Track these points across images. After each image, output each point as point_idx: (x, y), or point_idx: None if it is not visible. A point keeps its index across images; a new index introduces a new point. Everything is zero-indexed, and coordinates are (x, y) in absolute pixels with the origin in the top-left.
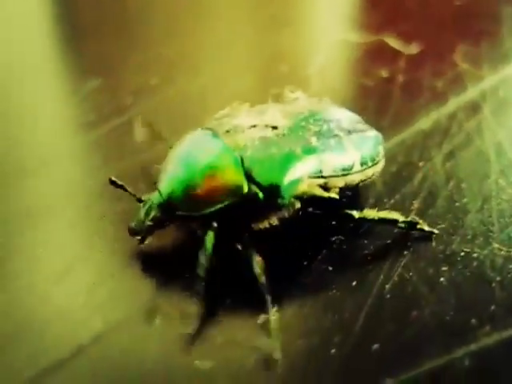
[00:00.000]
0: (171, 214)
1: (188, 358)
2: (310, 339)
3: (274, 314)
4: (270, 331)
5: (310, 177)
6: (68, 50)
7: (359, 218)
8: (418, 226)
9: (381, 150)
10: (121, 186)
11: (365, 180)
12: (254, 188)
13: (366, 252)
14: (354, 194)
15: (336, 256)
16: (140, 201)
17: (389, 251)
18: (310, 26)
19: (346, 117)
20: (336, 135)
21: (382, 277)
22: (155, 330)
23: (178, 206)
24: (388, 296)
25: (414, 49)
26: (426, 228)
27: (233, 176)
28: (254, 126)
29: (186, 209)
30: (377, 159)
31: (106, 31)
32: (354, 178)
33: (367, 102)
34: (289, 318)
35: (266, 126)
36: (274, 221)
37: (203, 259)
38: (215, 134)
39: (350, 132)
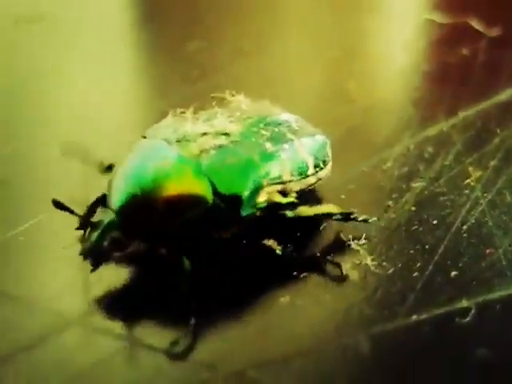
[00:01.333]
0: (128, 235)
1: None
2: (395, 262)
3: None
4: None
5: (270, 183)
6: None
7: (294, 216)
8: (352, 216)
9: (329, 151)
10: (66, 209)
11: (316, 182)
12: (217, 199)
13: (446, 198)
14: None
15: (419, 199)
16: (92, 225)
17: (467, 199)
18: (396, 4)
19: (292, 120)
20: (288, 139)
21: (460, 219)
22: None
23: (135, 225)
24: (465, 235)
25: (495, 31)
26: (360, 218)
27: (196, 186)
28: (205, 134)
29: (144, 227)
30: (327, 161)
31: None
32: (309, 181)
33: (448, 77)
34: (375, 244)
35: (217, 133)
36: (233, 230)
37: (183, 284)
38: (168, 144)
39: (300, 135)
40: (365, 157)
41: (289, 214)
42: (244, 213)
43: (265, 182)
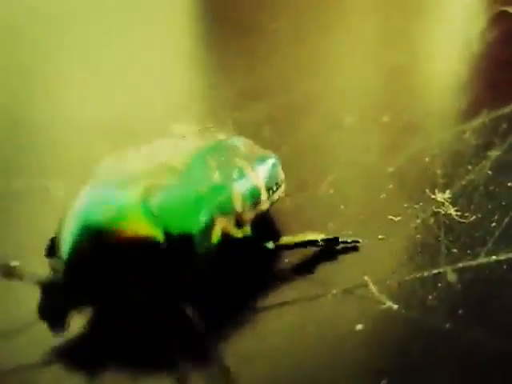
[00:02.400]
0: (81, 292)
1: None
2: (475, 214)
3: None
4: None
5: (222, 216)
6: None
7: (276, 246)
8: (341, 240)
9: (281, 172)
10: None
11: (272, 205)
12: (169, 240)
13: None
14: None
15: (495, 165)
16: (40, 283)
17: None
18: None
19: (240, 144)
20: (238, 166)
21: None
22: None
23: (87, 279)
24: None
25: None
26: (350, 239)
27: (146, 230)
28: (149, 172)
29: (97, 279)
30: (280, 182)
31: None
32: (263, 207)
33: None
34: (458, 198)
35: (162, 169)
36: (190, 272)
37: None
38: (111, 189)
39: (249, 160)
40: (443, 129)
41: (269, 245)
42: (200, 251)
43: (217, 216)
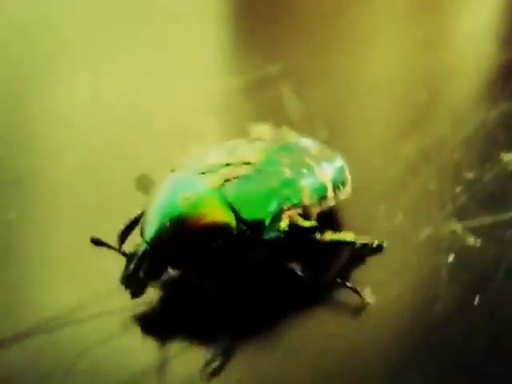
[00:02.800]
0: (161, 264)
1: None
2: None
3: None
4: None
5: (291, 208)
6: None
7: (320, 240)
8: (374, 245)
9: (347, 174)
10: (104, 244)
11: (336, 204)
12: (241, 225)
13: None
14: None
15: None
16: (125, 255)
17: None
18: None
19: (311, 146)
20: (307, 164)
21: None
22: None
23: (167, 254)
24: None
25: None
26: (375, 244)
27: (221, 215)
28: (228, 165)
29: (175, 255)
30: (345, 183)
31: None
32: (329, 204)
33: None
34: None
35: (240, 163)
36: (259, 252)
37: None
38: (193, 176)
39: (319, 160)
40: (503, 101)
41: (317, 237)
42: (267, 236)
43: (285, 207)
